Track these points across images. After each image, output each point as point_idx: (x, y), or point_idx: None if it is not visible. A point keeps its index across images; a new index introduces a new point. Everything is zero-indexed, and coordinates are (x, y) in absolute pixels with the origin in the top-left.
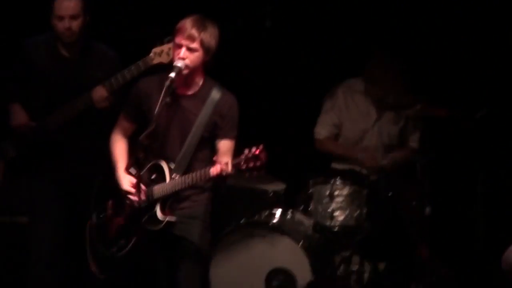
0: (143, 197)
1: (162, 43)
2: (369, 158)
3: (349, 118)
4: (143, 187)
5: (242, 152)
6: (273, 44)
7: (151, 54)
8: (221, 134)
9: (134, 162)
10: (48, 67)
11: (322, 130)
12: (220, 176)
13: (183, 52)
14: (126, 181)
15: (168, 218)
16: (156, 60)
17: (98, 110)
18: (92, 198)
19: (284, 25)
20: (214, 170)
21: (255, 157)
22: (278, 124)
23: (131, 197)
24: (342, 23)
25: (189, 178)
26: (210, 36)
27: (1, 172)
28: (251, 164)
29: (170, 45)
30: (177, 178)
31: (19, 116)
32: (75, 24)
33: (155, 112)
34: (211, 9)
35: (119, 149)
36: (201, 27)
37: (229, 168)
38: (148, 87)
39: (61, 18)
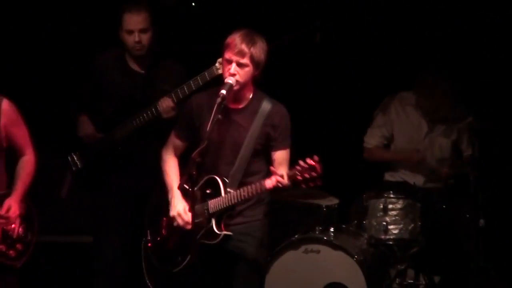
0: (197, 220)
1: None
2: (414, 152)
3: (400, 131)
4: (196, 211)
5: (296, 163)
6: (323, 58)
7: (217, 64)
8: (275, 145)
9: (187, 180)
10: (117, 81)
11: (371, 140)
12: (276, 188)
13: (233, 67)
14: (181, 207)
15: (224, 232)
16: (222, 70)
17: (164, 120)
18: (147, 214)
19: (334, 39)
20: (270, 183)
21: (311, 168)
22: (329, 137)
23: (184, 224)
24: (392, 37)
25: (244, 191)
26: (259, 50)
27: (68, 185)
28: (307, 175)
29: None
30: (232, 192)
31: (86, 127)
32: (145, 38)
33: (207, 129)
34: (260, 23)
35: (171, 168)
36: (250, 42)
37: (285, 179)
38: (200, 104)
39: (130, 32)
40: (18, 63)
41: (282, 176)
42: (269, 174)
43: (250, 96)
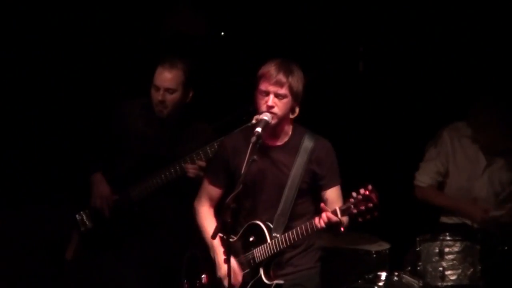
0: (240, 279)
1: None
2: (479, 210)
3: (456, 165)
4: (237, 270)
5: (349, 196)
6: (368, 89)
7: (254, 121)
8: (325, 184)
9: (221, 228)
10: (141, 130)
11: (424, 177)
12: (329, 226)
13: (271, 99)
14: (223, 271)
15: (276, 282)
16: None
17: (187, 180)
18: (183, 272)
19: (379, 67)
20: (322, 221)
21: (366, 198)
22: (378, 175)
23: (236, 283)
24: (443, 63)
25: (293, 234)
26: (297, 80)
27: (74, 246)
28: (362, 207)
29: None
30: (278, 236)
31: (101, 188)
32: (170, 98)
33: (242, 172)
34: (296, 52)
35: (208, 221)
36: (288, 71)
37: (338, 214)
38: (234, 145)
39: (157, 88)
40: (30, 101)
41: (334, 212)
42: (317, 214)
43: (290, 132)
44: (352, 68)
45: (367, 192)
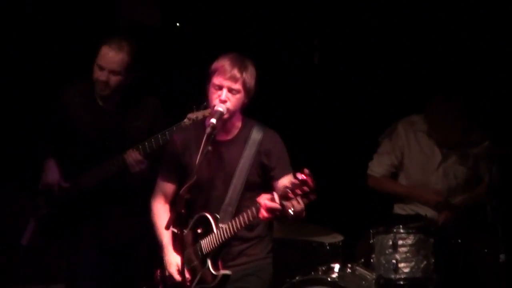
0: (189, 276)
1: (198, 109)
2: (432, 194)
3: (411, 159)
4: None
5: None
6: (323, 81)
7: (186, 120)
8: (276, 174)
9: (175, 219)
10: (83, 120)
11: (378, 169)
12: (272, 213)
13: (224, 93)
14: (173, 268)
15: (222, 272)
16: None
17: (133, 174)
18: (138, 267)
19: (335, 59)
20: (262, 209)
21: (302, 182)
22: (330, 167)
23: (176, 277)
24: (398, 56)
25: (236, 223)
26: (251, 76)
27: (31, 232)
28: (299, 191)
29: (207, 111)
30: (224, 226)
31: (51, 174)
32: (114, 80)
33: (197, 163)
34: (251, 44)
35: (162, 220)
36: (242, 66)
37: (276, 200)
38: (184, 140)
39: (101, 68)
40: None
41: (272, 199)
42: None
43: (240, 125)
44: (307, 60)
45: (303, 176)
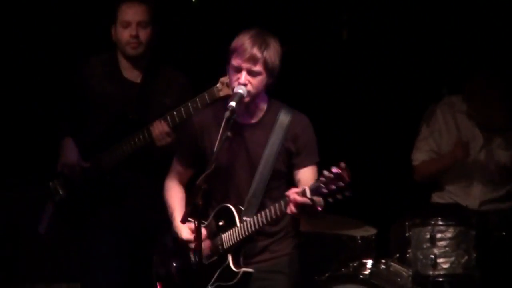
0: (208, 250)
1: None
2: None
3: (450, 142)
4: (207, 240)
5: (320, 174)
6: (352, 59)
7: (218, 85)
8: (299, 163)
9: (192, 211)
10: (107, 92)
11: (419, 155)
12: (301, 208)
13: (244, 76)
14: (185, 231)
15: (244, 269)
16: (224, 92)
17: (159, 148)
18: (154, 266)
19: (365, 36)
20: (291, 203)
21: (337, 177)
22: (364, 155)
23: (193, 247)
24: (435, 32)
25: (262, 217)
26: (273, 55)
27: (48, 218)
28: (333, 187)
29: None
30: (248, 219)
31: (69, 154)
32: (144, 34)
33: (215, 150)
34: (277, 21)
35: (175, 198)
36: (263, 45)
37: (308, 194)
38: (204, 122)
39: (127, 24)
40: None
41: (303, 192)
42: None
43: (265, 108)
44: (335, 37)
45: (339, 170)
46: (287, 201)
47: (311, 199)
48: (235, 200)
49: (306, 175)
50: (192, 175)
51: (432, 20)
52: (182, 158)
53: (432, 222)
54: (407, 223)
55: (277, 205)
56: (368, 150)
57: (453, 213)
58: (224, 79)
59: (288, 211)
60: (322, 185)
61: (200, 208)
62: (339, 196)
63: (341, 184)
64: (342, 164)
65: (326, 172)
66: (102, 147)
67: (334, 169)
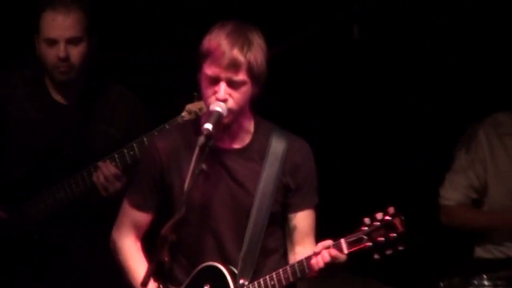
0: None
1: (200, 98)
2: None
3: (497, 175)
4: None
5: (359, 223)
6: (365, 62)
7: (184, 114)
8: (297, 203)
9: (155, 271)
10: (31, 119)
11: (452, 193)
12: (328, 268)
13: (222, 89)
14: None
15: None
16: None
17: (104, 197)
18: None
19: (381, 33)
20: (321, 259)
21: (387, 226)
22: (382, 185)
23: None
24: (468, 31)
25: (273, 281)
26: (259, 55)
27: None
28: (380, 238)
29: None
30: (248, 286)
31: None
32: (76, 54)
33: (185, 188)
34: (263, 12)
35: (131, 256)
36: (245, 44)
37: (344, 249)
38: (169, 149)
39: (52, 42)
40: None
41: (337, 246)
42: (291, 252)
43: (252, 128)
44: (344, 34)
45: (387, 217)
46: (311, 256)
47: (345, 256)
48: (217, 256)
49: (305, 222)
50: (152, 222)
51: (467, 13)
52: (139, 198)
53: (476, 282)
54: (442, 284)
55: (296, 265)
56: (387, 187)
57: (505, 271)
58: (192, 107)
59: (314, 267)
60: (365, 237)
61: (167, 268)
62: (389, 252)
63: (392, 235)
64: (391, 209)
65: (368, 220)
66: (26, 194)
67: (380, 215)
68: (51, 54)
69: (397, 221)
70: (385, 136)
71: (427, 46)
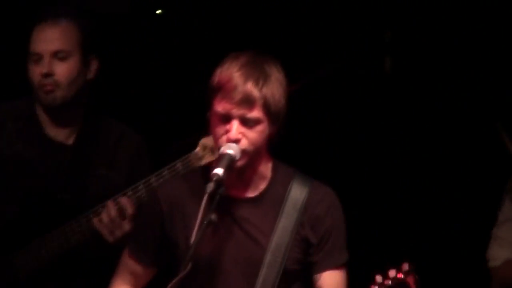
0: None
1: None
2: None
3: None
4: None
5: (371, 280)
6: (399, 99)
7: (198, 150)
8: (321, 262)
9: None
10: (22, 158)
11: (498, 251)
12: None
13: (235, 128)
14: None
15: None
16: (207, 159)
17: (108, 245)
18: None
19: (415, 65)
20: None
21: (400, 286)
22: (413, 237)
23: None
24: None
25: None
26: (276, 90)
27: None
28: None
29: None
30: None
31: None
32: (61, 70)
33: (192, 242)
34: (285, 39)
35: None
36: (261, 77)
37: None
38: (174, 197)
39: (38, 57)
40: None
41: None
42: None
43: (269, 174)
44: (374, 67)
45: (400, 275)
46: None
47: None
48: None
49: (331, 284)
50: (152, 277)
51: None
52: (140, 252)
53: None
54: None
55: None
56: (425, 241)
57: None
58: (207, 141)
59: None
60: None
61: None
62: None
63: None
64: (405, 266)
65: (380, 278)
66: (15, 243)
67: (393, 273)
68: (36, 72)
69: (410, 280)
70: (417, 184)
71: (465, 80)
